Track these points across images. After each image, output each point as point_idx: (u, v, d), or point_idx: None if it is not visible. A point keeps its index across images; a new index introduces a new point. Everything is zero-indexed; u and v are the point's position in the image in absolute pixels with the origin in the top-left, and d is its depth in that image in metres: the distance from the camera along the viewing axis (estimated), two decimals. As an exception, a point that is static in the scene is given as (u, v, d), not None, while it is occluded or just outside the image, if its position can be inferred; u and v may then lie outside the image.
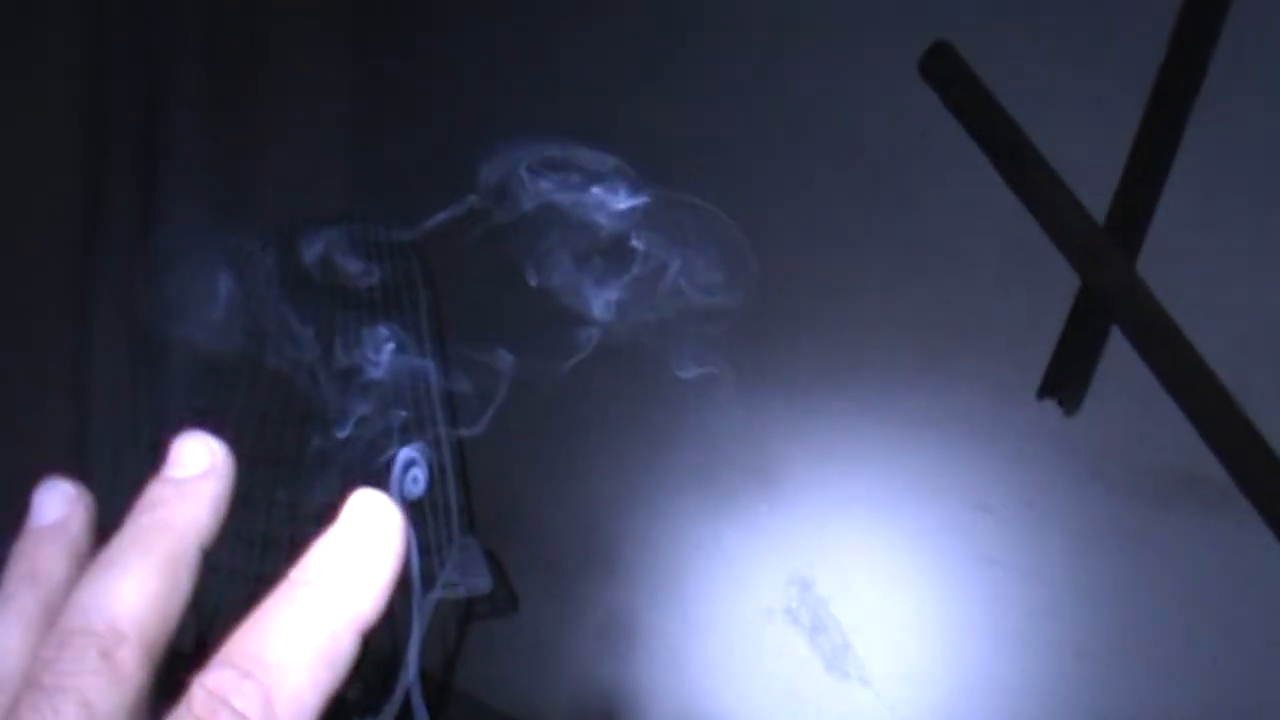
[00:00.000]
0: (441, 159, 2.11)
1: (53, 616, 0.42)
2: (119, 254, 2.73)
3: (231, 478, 0.48)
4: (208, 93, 2.87)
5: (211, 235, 2.22)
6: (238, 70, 2.95)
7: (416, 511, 2.17)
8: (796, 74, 2.21)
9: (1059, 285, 1.86)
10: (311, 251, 2.28)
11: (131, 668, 0.40)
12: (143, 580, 0.43)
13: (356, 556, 0.45)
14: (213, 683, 0.40)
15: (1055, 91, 1.89)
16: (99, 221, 2.74)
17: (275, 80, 3.03)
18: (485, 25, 2.86)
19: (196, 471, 0.47)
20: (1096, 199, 1.83)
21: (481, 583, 2.31)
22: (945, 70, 1.96)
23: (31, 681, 0.40)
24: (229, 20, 2.92)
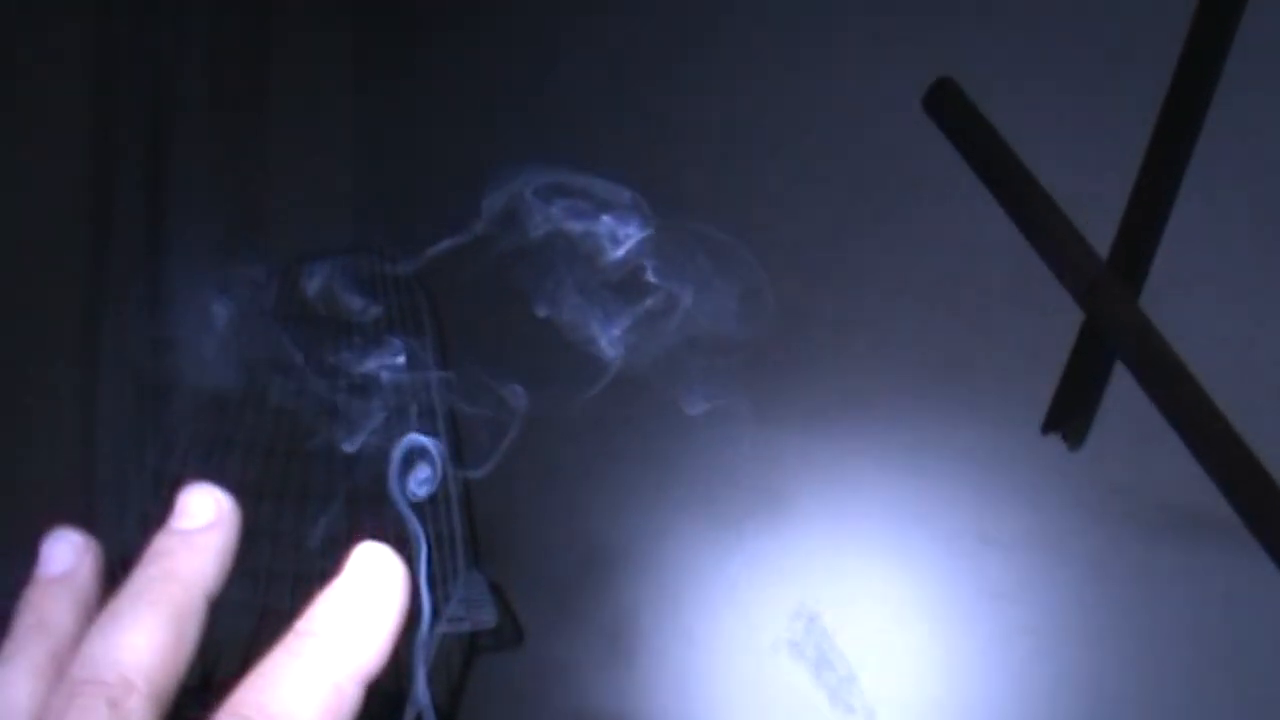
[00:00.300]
0: (448, 189, 2.12)
1: (62, 667, 0.43)
2: (124, 285, 2.74)
3: (237, 528, 0.49)
4: (212, 123, 2.88)
5: (216, 268, 2.23)
6: (242, 100, 2.96)
7: (421, 547, 2.17)
8: (801, 109, 2.23)
9: (1063, 319, 1.87)
10: (315, 285, 2.29)
11: (140, 718, 0.41)
12: (151, 631, 0.43)
13: (360, 610, 0.46)
14: None
15: (1059, 124, 1.90)
16: (104, 252, 2.75)
17: (280, 110, 3.04)
18: (491, 56, 2.88)
19: (202, 523, 0.49)
20: (1100, 232, 1.83)
21: (487, 617, 2.31)
22: (948, 106, 1.97)
23: None
24: (234, 50, 2.94)
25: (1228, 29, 1.72)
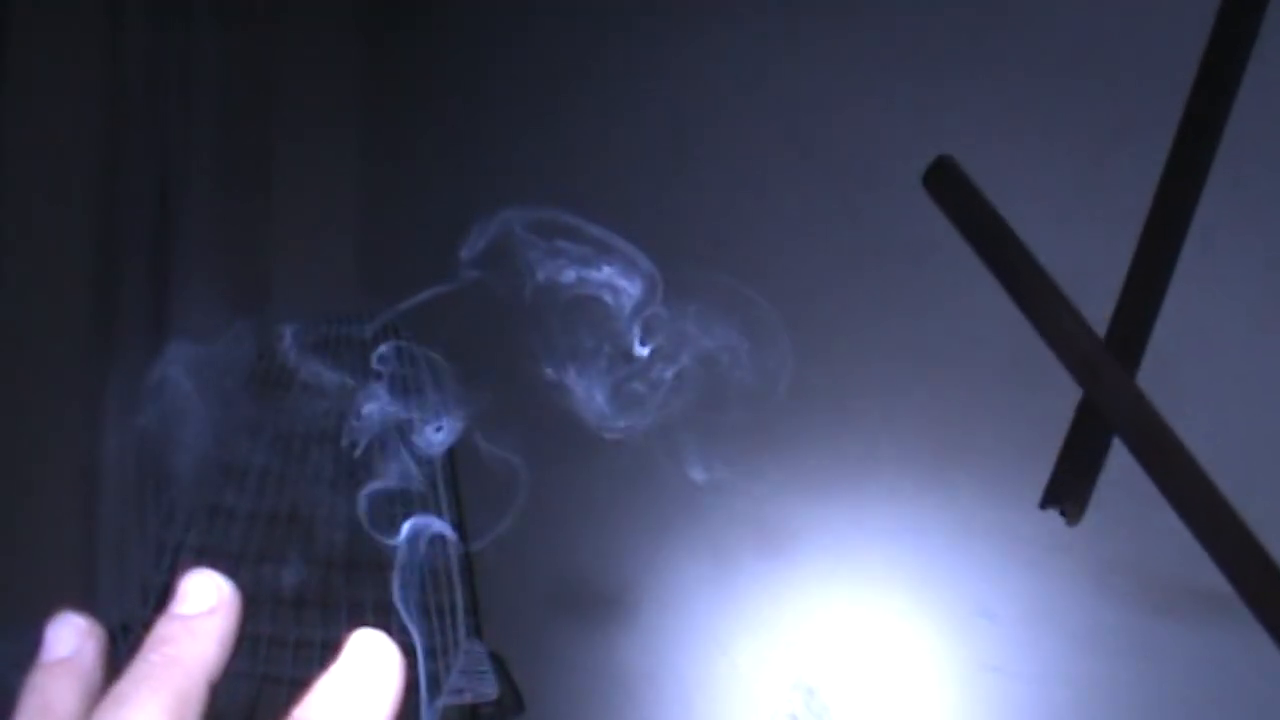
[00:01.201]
0: (452, 254, 2.14)
1: None
2: (128, 355, 2.76)
3: (238, 612, 0.49)
4: (217, 199, 2.91)
5: (220, 336, 2.24)
6: (247, 174, 2.99)
7: (423, 616, 2.17)
8: (801, 184, 2.25)
9: (1061, 395, 1.88)
10: (320, 353, 2.30)
11: None
12: (153, 717, 0.44)
13: (356, 698, 0.46)
14: None
15: (1057, 202, 1.92)
16: (108, 324, 2.77)
17: (284, 176, 3.07)
18: (497, 131, 2.90)
19: (204, 608, 0.49)
20: (1098, 309, 1.85)
21: (488, 688, 2.30)
22: (947, 183, 1.99)
23: None
24: (239, 125, 2.97)
25: (1224, 110, 1.75)
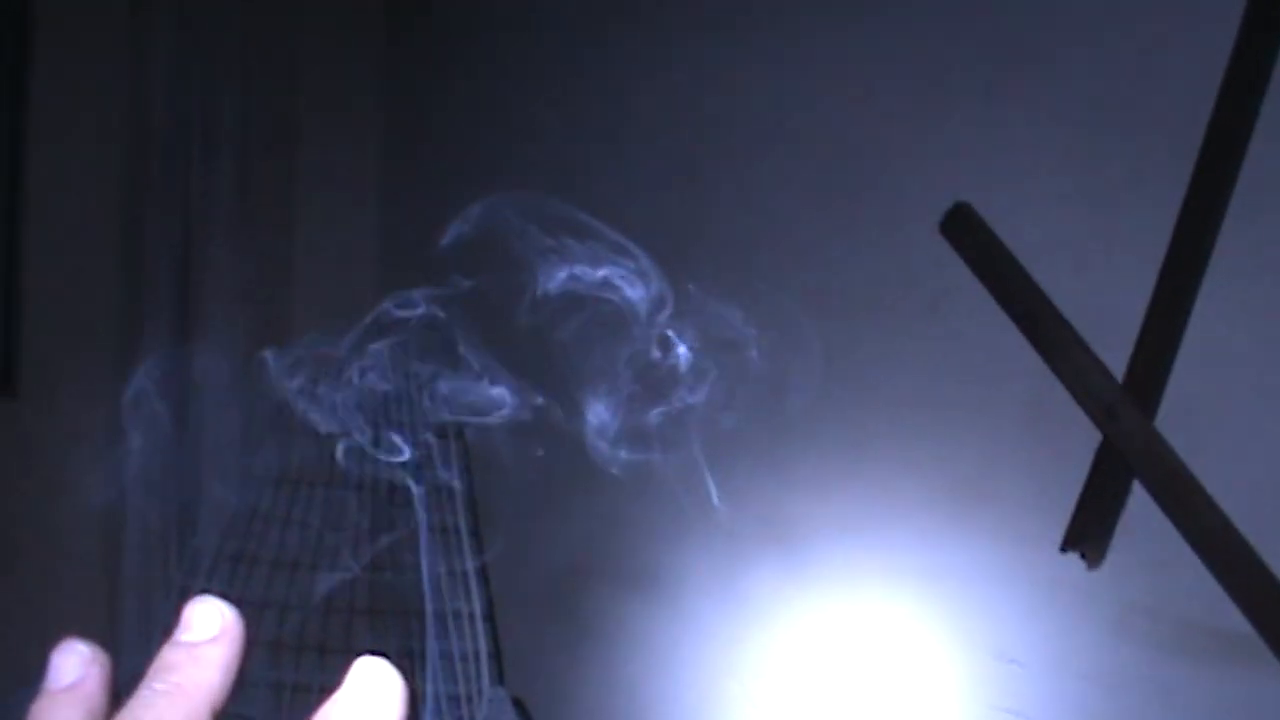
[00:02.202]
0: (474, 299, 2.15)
1: None
2: (150, 402, 2.77)
3: (242, 640, 0.49)
4: (239, 242, 2.93)
5: (242, 387, 2.26)
6: (269, 217, 3.01)
7: (447, 663, 2.18)
8: (820, 230, 2.26)
9: (1081, 439, 1.88)
10: (338, 394, 2.31)
11: None
12: None
13: None
14: None
15: (1074, 248, 1.93)
16: (131, 370, 2.79)
17: (304, 231, 3.09)
18: (517, 167, 2.92)
19: (208, 636, 0.49)
20: (1116, 354, 1.85)
21: (512, 732, 2.31)
22: (965, 230, 2.01)
23: None
24: (262, 166, 2.99)
25: (1238, 156, 1.75)
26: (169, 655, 0.48)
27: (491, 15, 3.12)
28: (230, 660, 0.48)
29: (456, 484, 2.22)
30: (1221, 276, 1.77)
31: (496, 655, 2.47)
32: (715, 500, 1.89)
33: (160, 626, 2.16)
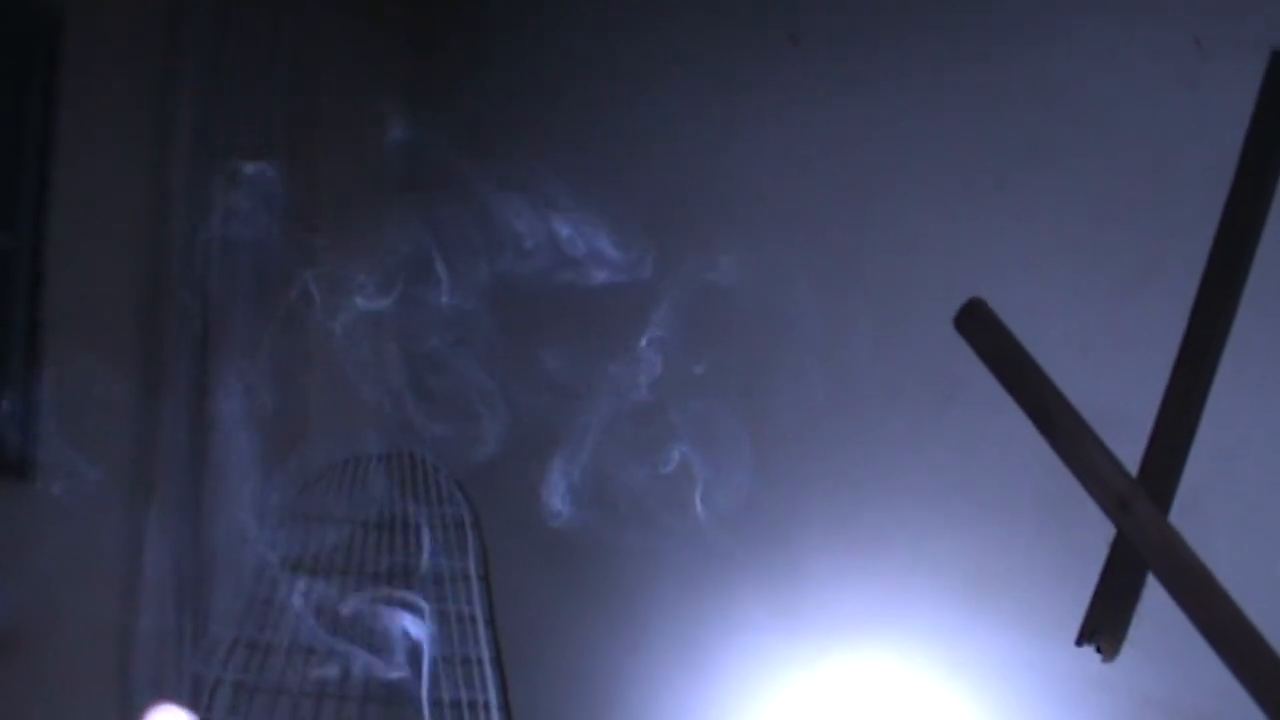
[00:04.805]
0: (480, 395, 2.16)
1: None
2: (167, 491, 2.79)
3: None
4: (255, 333, 2.94)
5: (258, 474, 2.27)
6: (283, 312, 3.02)
7: (455, 711, 2.17)
8: (837, 325, 2.27)
9: (1095, 531, 1.89)
10: (362, 488, 2.32)
11: None
12: None
13: None
14: None
15: (1086, 341, 1.95)
16: (149, 456, 2.81)
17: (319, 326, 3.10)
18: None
19: None
20: (1130, 447, 1.86)
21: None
22: (979, 326, 2.03)
23: None
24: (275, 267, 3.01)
25: (1250, 250, 1.78)
26: None
27: (507, 79, 3.14)
28: None
29: (472, 572, 2.23)
30: (1235, 369, 1.78)
31: (505, 703, 2.46)
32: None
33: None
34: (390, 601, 2.16)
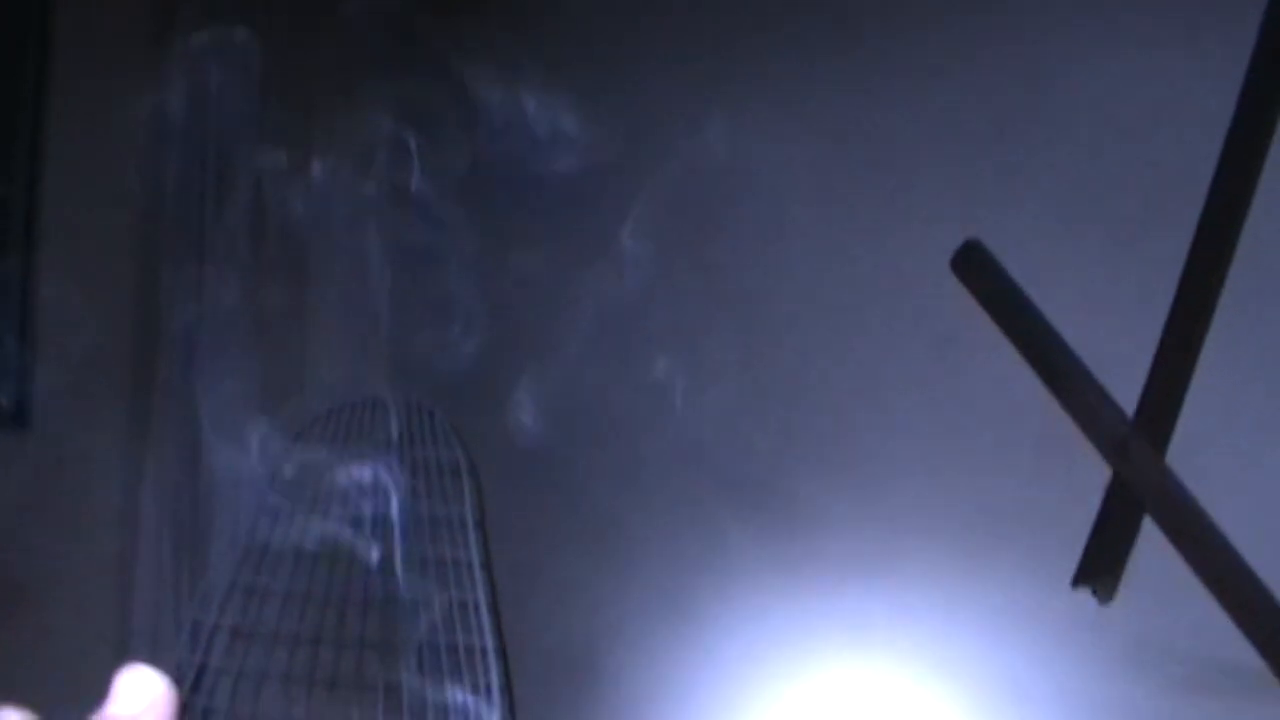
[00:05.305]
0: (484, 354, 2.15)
1: None
2: (164, 436, 2.78)
3: (175, 711, 0.46)
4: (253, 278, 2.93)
5: (254, 420, 2.26)
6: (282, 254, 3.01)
7: (459, 698, 2.18)
8: (833, 268, 2.26)
9: (1092, 475, 1.88)
10: (358, 432, 2.32)
11: None
12: None
13: None
14: None
15: (1084, 283, 1.93)
16: (145, 403, 2.80)
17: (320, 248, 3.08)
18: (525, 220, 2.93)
19: (135, 710, 0.47)
20: (1127, 390, 1.85)
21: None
22: (976, 268, 2.01)
23: None
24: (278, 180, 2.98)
25: (1248, 192, 1.76)
26: None
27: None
28: None
29: (469, 518, 2.23)
30: (1233, 311, 1.77)
31: (508, 690, 2.46)
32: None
33: (171, 660, 2.16)
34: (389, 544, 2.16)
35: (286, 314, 3.02)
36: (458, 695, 2.13)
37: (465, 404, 2.41)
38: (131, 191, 2.84)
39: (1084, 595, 1.89)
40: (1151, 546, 1.83)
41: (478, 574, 2.20)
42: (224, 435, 2.49)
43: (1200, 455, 1.79)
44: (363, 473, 2.13)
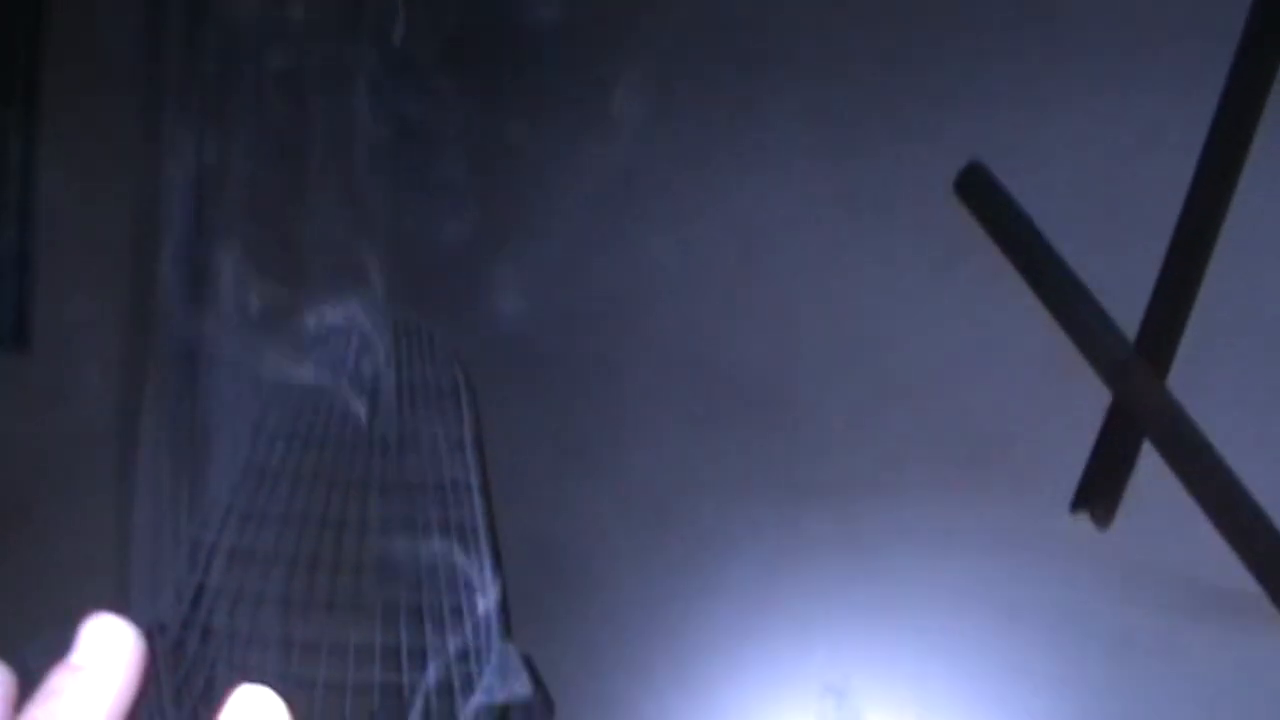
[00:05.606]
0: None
1: None
2: (165, 350, 2.78)
3: (142, 661, 0.45)
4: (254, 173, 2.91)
5: (255, 333, 2.26)
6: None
7: (455, 616, 2.18)
8: (833, 189, 2.25)
9: (1091, 400, 1.88)
10: (354, 353, 2.31)
11: None
12: None
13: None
14: None
15: (1088, 206, 1.92)
16: (147, 316, 2.79)
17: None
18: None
19: (99, 659, 0.46)
20: (1129, 314, 1.85)
21: (521, 689, 2.31)
22: (978, 190, 2.00)
23: None
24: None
25: (1255, 113, 1.75)
26: (55, 678, 0.45)
27: None
28: (125, 685, 0.46)
29: (466, 438, 2.22)
30: (1237, 235, 1.76)
31: (505, 611, 2.47)
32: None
33: (170, 580, 2.16)
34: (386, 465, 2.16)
35: (285, 201, 3.00)
36: (453, 614, 2.14)
37: (451, 290, 2.39)
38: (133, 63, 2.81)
39: (1083, 518, 1.90)
40: (1151, 470, 1.83)
41: (475, 497, 2.20)
42: (223, 352, 2.49)
43: (1202, 378, 1.79)
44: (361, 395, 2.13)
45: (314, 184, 3.00)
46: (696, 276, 2.19)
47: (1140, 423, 1.83)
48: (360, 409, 2.31)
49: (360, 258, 2.48)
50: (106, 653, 0.45)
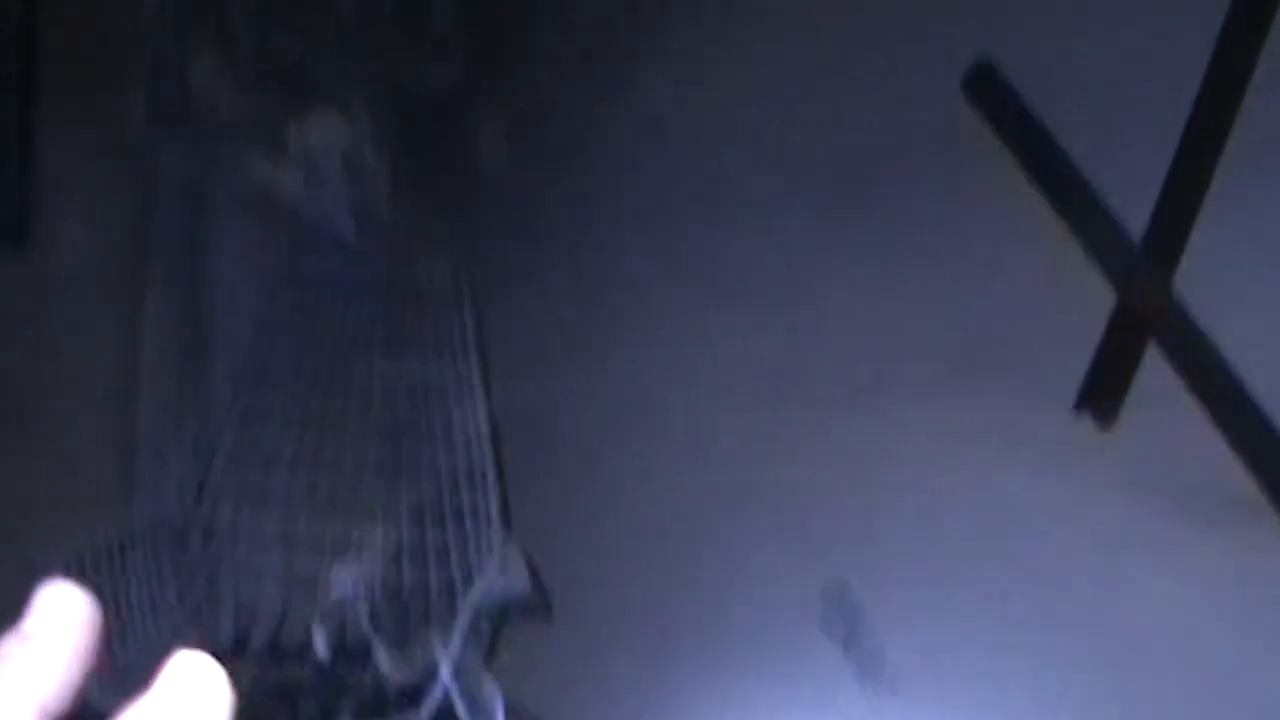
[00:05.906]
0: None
1: None
2: (169, 239, 2.77)
3: (96, 630, 0.44)
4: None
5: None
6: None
7: (456, 514, 2.19)
8: (840, 87, 2.23)
9: (1096, 299, 1.88)
10: (355, 258, 2.30)
11: None
12: None
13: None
14: None
15: (1097, 107, 1.91)
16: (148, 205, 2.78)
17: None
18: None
19: (53, 626, 0.44)
20: (1136, 215, 1.84)
21: (520, 586, 2.32)
22: (987, 88, 1.98)
23: None
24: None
25: (1269, 16, 1.73)
26: (4, 645, 0.43)
27: None
28: (79, 653, 0.44)
29: (468, 327, 2.22)
30: (1247, 139, 1.75)
31: (505, 509, 2.48)
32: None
33: (174, 480, 2.16)
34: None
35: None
36: (454, 513, 2.15)
37: (437, 129, 2.36)
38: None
39: (1085, 419, 1.90)
40: (1155, 372, 1.83)
41: (478, 398, 2.20)
42: (228, 257, 2.48)
43: (1208, 281, 1.78)
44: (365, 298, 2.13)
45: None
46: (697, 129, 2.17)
47: (1145, 324, 1.82)
48: (349, 228, 2.27)
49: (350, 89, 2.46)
50: (60, 622, 0.44)
